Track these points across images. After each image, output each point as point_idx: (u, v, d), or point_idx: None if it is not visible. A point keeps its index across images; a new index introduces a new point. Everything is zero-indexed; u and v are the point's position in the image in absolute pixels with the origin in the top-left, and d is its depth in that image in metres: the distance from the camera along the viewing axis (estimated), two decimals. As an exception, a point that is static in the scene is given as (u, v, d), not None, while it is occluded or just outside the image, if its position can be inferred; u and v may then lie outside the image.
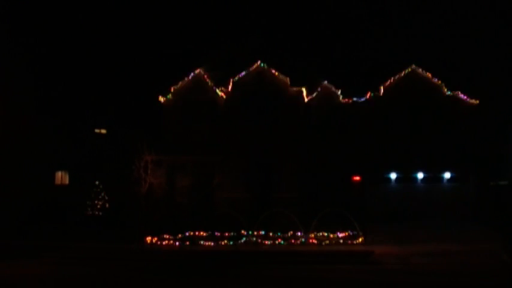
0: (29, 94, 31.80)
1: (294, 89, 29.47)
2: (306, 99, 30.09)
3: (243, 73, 29.74)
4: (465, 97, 29.64)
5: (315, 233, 21.87)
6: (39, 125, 31.64)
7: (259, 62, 29.64)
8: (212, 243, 21.69)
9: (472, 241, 20.69)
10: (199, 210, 26.40)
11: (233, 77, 29.68)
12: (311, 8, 42.79)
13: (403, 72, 30.06)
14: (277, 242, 21.68)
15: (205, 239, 22.09)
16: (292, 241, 21.69)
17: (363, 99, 30.22)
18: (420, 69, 30.01)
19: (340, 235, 21.80)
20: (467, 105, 29.59)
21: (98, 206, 29.97)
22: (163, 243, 22.07)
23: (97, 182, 30.22)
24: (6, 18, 31.83)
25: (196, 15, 46.47)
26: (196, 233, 22.43)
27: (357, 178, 29.20)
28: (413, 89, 29.74)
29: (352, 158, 29.01)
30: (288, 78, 29.45)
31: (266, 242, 21.64)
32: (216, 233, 22.30)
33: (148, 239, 21.98)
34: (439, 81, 29.83)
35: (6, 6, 32.25)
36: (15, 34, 32.16)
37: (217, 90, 29.94)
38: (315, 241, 21.52)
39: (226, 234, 22.31)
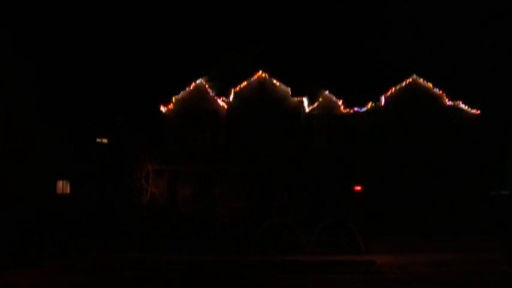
0: (31, 103, 31.89)
1: (295, 98, 29.53)
2: (307, 109, 30.18)
3: (244, 83, 29.81)
4: (466, 107, 29.73)
5: (317, 242, 21.82)
6: (41, 134, 31.70)
7: (260, 72, 29.73)
8: (212, 253, 21.64)
9: (473, 251, 20.66)
10: (201, 220, 26.38)
11: (234, 87, 29.75)
12: (312, 17, 42.97)
13: (404, 82, 30.18)
14: (278, 251, 21.63)
15: (206, 248, 22.06)
16: (293, 251, 21.64)
17: (364, 109, 30.31)
18: (421, 79, 30.13)
19: (342, 244, 21.75)
20: (468, 115, 29.67)
21: (99, 216, 29.96)
22: (165, 252, 22.04)
23: (98, 192, 30.24)
24: (9, 26, 32.00)
25: (197, 25, 46.68)
26: (197, 242, 22.41)
27: (358, 188, 29.18)
28: (414, 99, 29.83)
29: (353, 167, 29.03)
30: (289, 88, 29.54)
31: (267, 252, 21.60)
32: (216, 242, 22.28)
33: (150, 248, 21.92)
34: (440, 91, 29.91)
35: (10, 15, 32.43)
36: (17, 41, 32.29)
37: (219, 100, 30.07)
38: (316, 250, 21.46)
39: (227, 243, 22.29)
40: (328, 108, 30.47)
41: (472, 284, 15.36)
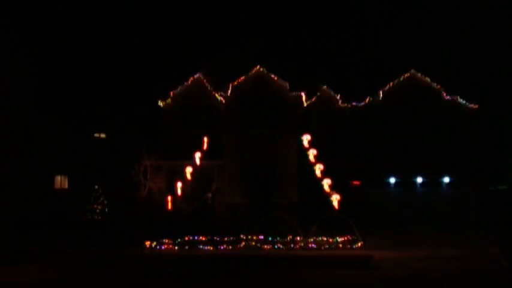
0: (29, 98, 31.81)
1: (293, 93, 29.46)
2: (305, 104, 30.13)
3: (242, 78, 29.72)
4: (464, 101, 29.73)
5: (315, 237, 21.82)
6: (39, 129, 31.64)
7: (258, 67, 29.64)
8: (211, 248, 21.65)
9: (472, 246, 20.68)
10: (199, 215, 26.35)
11: (232, 82, 29.67)
12: (311, 12, 42.88)
13: (403, 76, 30.18)
14: (276, 246, 21.63)
15: (205, 243, 22.07)
16: (292, 246, 21.64)
17: (362, 104, 30.30)
18: (419, 74, 30.12)
19: (340, 240, 21.75)
20: (467, 109, 29.66)
21: (97, 211, 29.98)
22: (163, 248, 22.04)
23: (96, 187, 30.22)
24: (7, 22, 31.86)
25: (195, 20, 46.54)
26: (196, 238, 22.43)
27: (357, 182, 29.17)
28: (412, 94, 29.82)
29: (351, 162, 28.99)
30: (287, 83, 29.45)
31: (265, 247, 21.58)
32: (215, 238, 22.27)
33: (148, 243, 21.94)
34: (439, 86, 29.91)
35: (7, 12, 32.30)
36: (16, 37, 32.17)
37: (217, 95, 30.00)
38: (314, 246, 21.47)
39: (225, 239, 22.30)
40: (326, 103, 30.48)
41: (471, 279, 15.38)
